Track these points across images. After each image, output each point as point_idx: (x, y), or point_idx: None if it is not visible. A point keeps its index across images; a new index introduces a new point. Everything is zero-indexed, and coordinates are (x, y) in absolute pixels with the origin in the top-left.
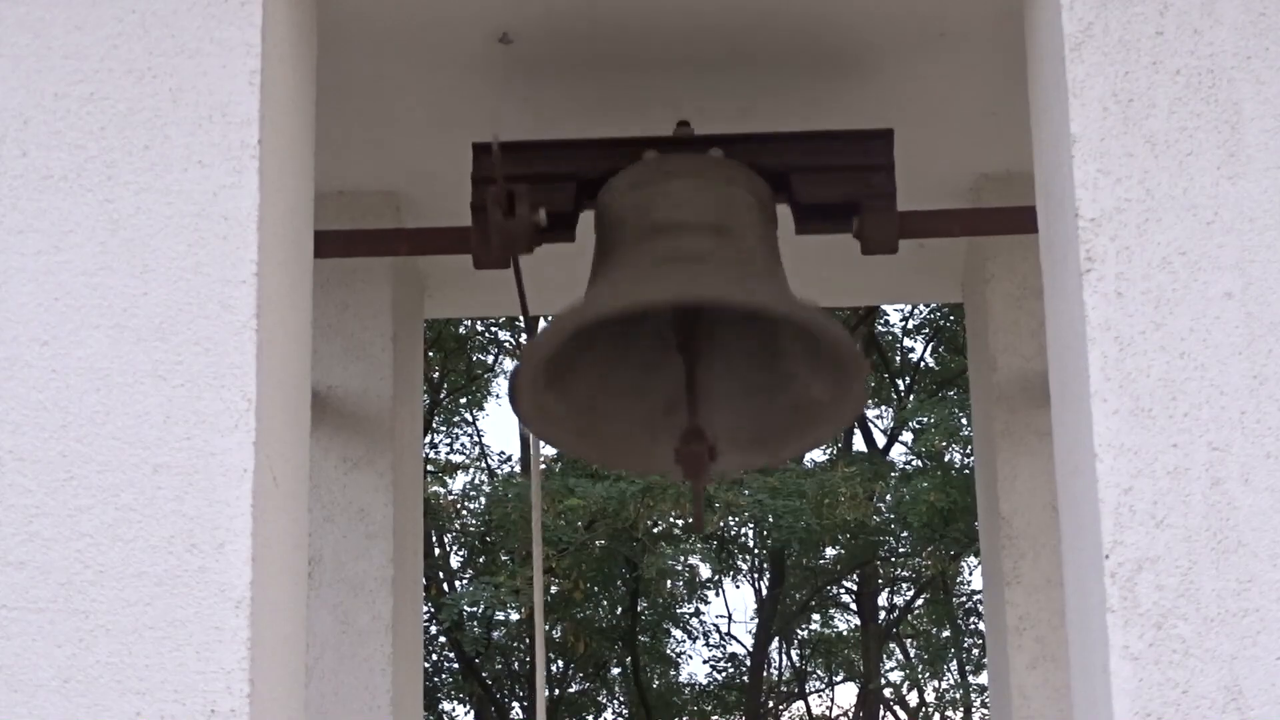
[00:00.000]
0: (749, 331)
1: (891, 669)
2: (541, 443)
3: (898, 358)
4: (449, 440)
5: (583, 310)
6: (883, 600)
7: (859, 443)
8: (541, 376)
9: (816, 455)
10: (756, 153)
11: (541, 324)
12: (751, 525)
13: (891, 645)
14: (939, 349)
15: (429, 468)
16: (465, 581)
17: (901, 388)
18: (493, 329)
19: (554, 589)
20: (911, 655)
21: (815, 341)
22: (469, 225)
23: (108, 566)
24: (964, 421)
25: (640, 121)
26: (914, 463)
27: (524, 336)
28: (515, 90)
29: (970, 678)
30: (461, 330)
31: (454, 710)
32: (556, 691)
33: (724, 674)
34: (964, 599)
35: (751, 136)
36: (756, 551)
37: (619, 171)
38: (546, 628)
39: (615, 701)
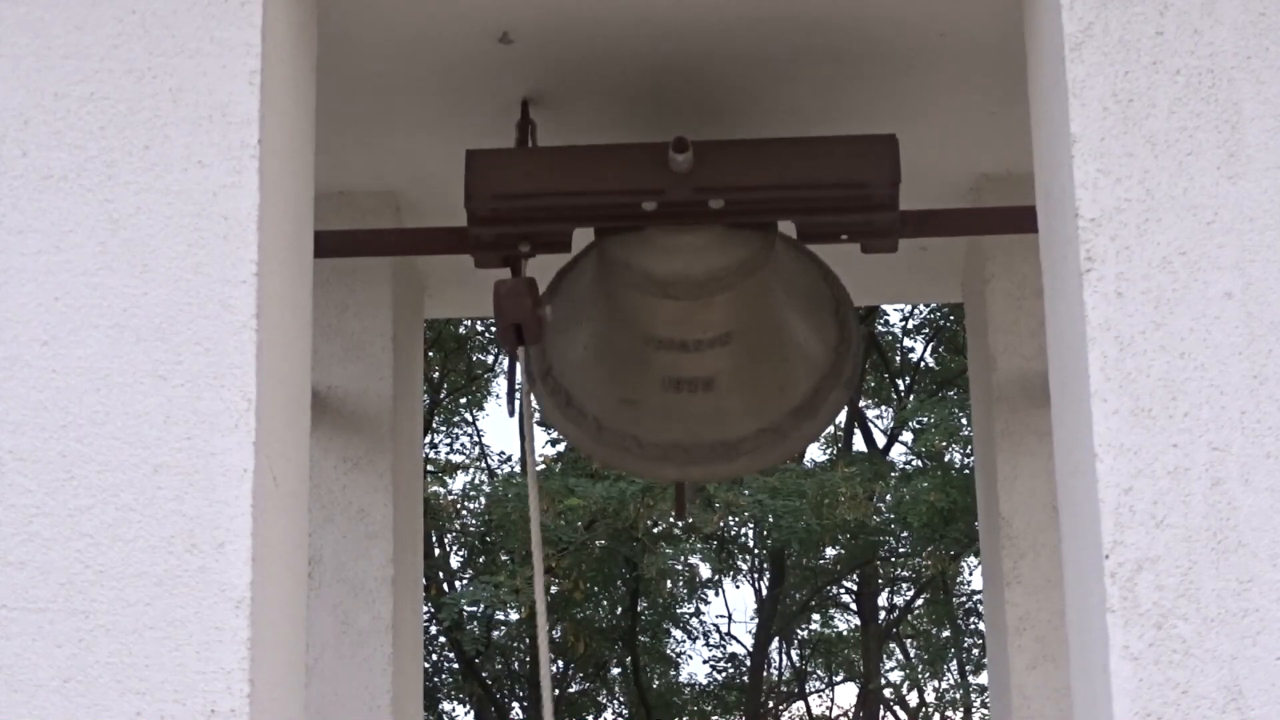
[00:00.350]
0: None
1: (891, 669)
2: (541, 442)
3: (898, 358)
4: (449, 440)
5: (577, 428)
6: (883, 600)
7: (859, 443)
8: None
9: (816, 455)
10: (758, 155)
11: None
12: (751, 525)
13: (891, 645)
14: (939, 349)
15: (429, 468)
16: (465, 581)
17: (901, 388)
18: (492, 329)
19: (554, 589)
20: (911, 655)
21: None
22: (468, 225)
23: (108, 566)
24: (964, 421)
25: (640, 122)
26: (914, 463)
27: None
28: (515, 90)
29: (970, 678)
30: (461, 330)
31: (454, 710)
32: (556, 691)
33: (724, 674)
34: (964, 599)
35: (752, 143)
36: (756, 551)
37: (615, 234)
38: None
39: (615, 701)
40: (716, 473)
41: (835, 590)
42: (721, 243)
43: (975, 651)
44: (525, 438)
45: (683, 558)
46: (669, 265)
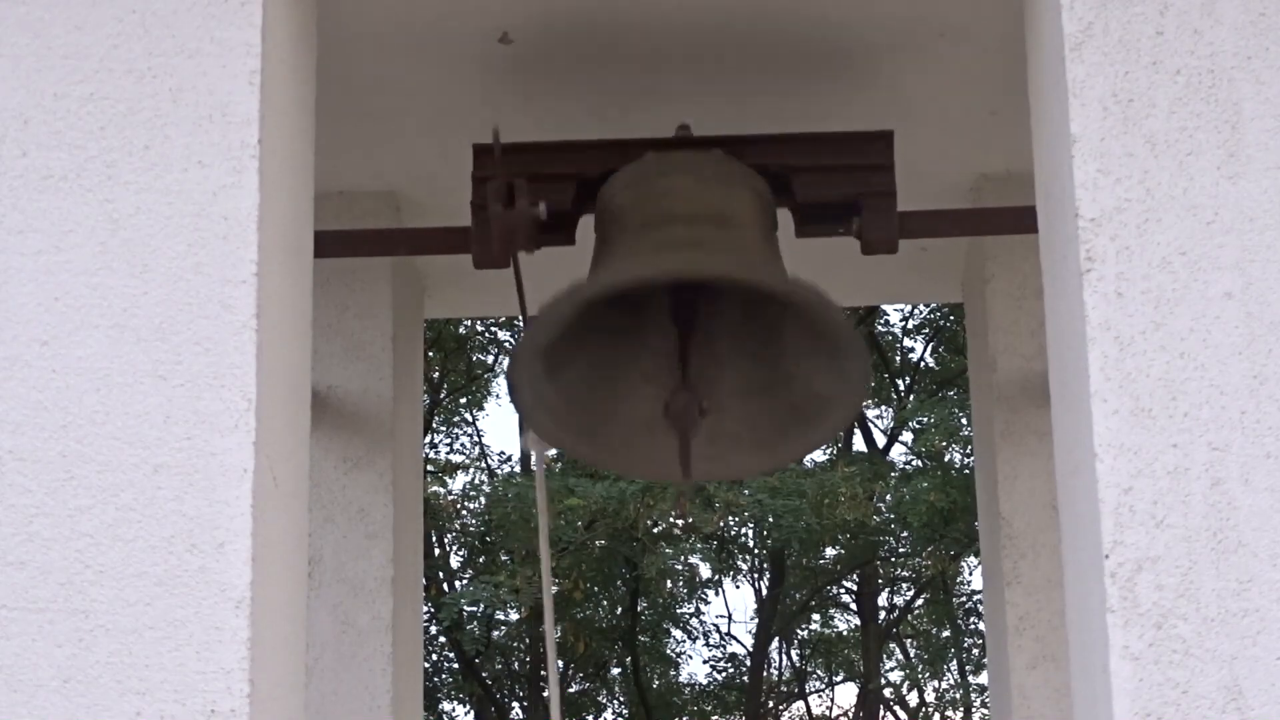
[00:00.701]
0: (748, 331)
1: (891, 669)
2: (541, 443)
3: (898, 358)
4: (449, 440)
5: (580, 290)
6: (883, 600)
7: (859, 443)
8: (540, 365)
9: (816, 455)
10: (756, 154)
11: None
12: (751, 525)
13: (891, 645)
14: (939, 349)
15: (429, 468)
16: (465, 581)
17: (901, 388)
18: (493, 329)
19: (554, 589)
20: (911, 655)
21: (814, 328)
22: (469, 225)
23: (108, 566)
24: (964, 421)
25: (640, 122)
26: (914, 463)
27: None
28: (515, 90)
29: (970, 678)
30: (461, 330)
31: (454, 710)
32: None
33: (724, 674)
34: (964, 599)
35: (751, 139)
36: (756, 551)
37: (618, 170)
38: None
39: (615, 701)
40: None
41: (835, 590)
42: (725, 173)
43: (975, 651)
44: (537, 454)
45: (683, 558)
46: (669, 182)
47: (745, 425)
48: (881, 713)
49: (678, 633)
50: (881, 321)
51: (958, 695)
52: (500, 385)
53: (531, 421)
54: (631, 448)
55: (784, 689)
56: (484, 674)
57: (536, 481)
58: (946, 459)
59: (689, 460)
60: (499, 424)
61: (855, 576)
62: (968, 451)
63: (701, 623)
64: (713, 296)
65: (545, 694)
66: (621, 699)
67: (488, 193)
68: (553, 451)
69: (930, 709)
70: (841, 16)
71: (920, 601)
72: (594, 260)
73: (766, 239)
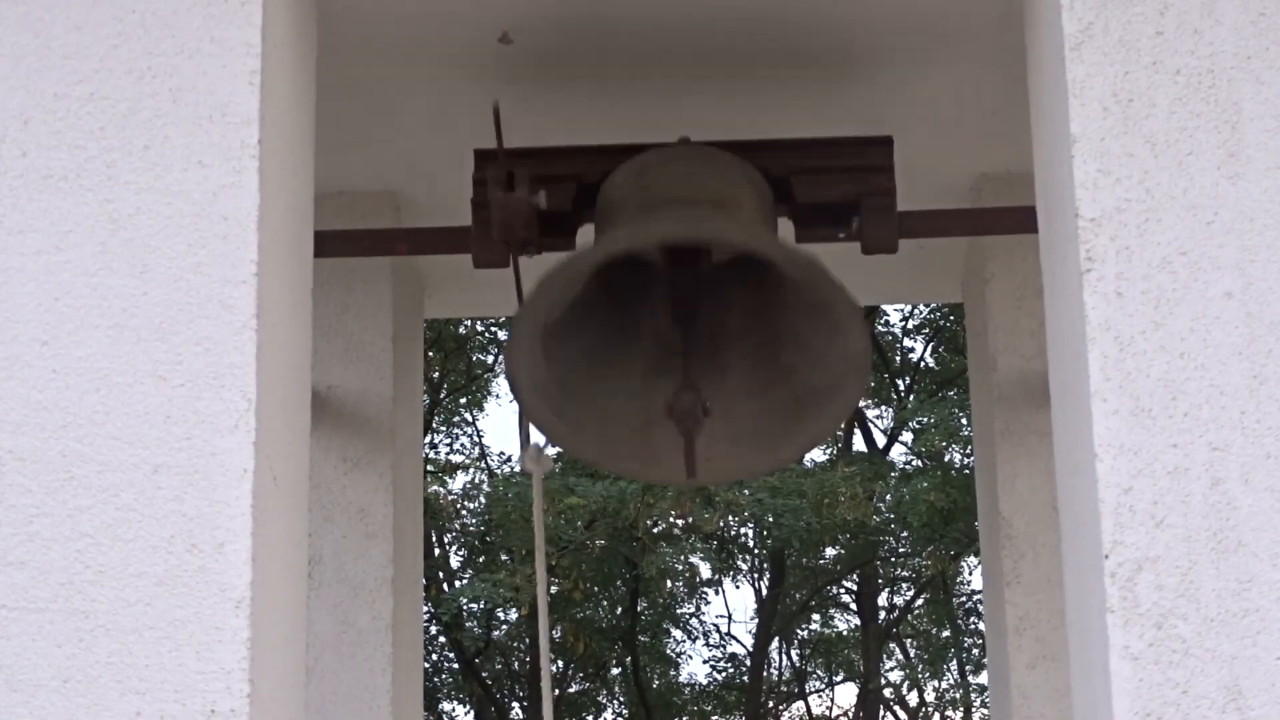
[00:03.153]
0: (750, 321)
1: (891, 669)
2: (540, 460)
3: (898, 358)
4: (449, 440)
5: (575, 258)
6: (883, 600)
7: (859, 443)
8: (539, 352)
9: (816, 455)
10: (756, 157)
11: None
12: (751, 525)
13: (891, 645)
14: (939, 349)
15: (429, 468)
16: (465, 581)
17: (901, 388)
18: (493, 329)
19: (554, 589)
20: (911, 655)
21: (814, 302)
22: (469, 225)
23: (108, 566)
24: (964, 421)
25: (640, 123)
26: (914, 463)
27: None
28: (515, 90)
29: (970, 678)
30: (461, 330)
31: (454, 710)
32: (556, 691)
33: (724, 674)
34: (964, 599)
35: (751, 144)
36: (756, 551)
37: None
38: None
39: (615, 701)
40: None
41: (835, 590)
42: (723, 167)
43: (975, 651)
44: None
45: (683, 557)
46: (668, 169)
47: (748, 422)
48: (881, 713)
49: (678, 633)
50: (881, 321)
51: (958, 695)
52: (500, 385)
53: (529, 411)
54: (631, 447)
55: (784, 689)
56: (484, 674)
57: (534, 492)
58: (946, 459)
59: (694, 462)
60: (499, 424)
61: (855, 576)
62: (968, 451)
63: (701, 623)
64: (712, 284)
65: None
66: (621, 699)
67: (487, 178)
68: (553, 452)
69: (930, 709)
70: (841, 17)
71: (920, 601)
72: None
73: (765, 222)
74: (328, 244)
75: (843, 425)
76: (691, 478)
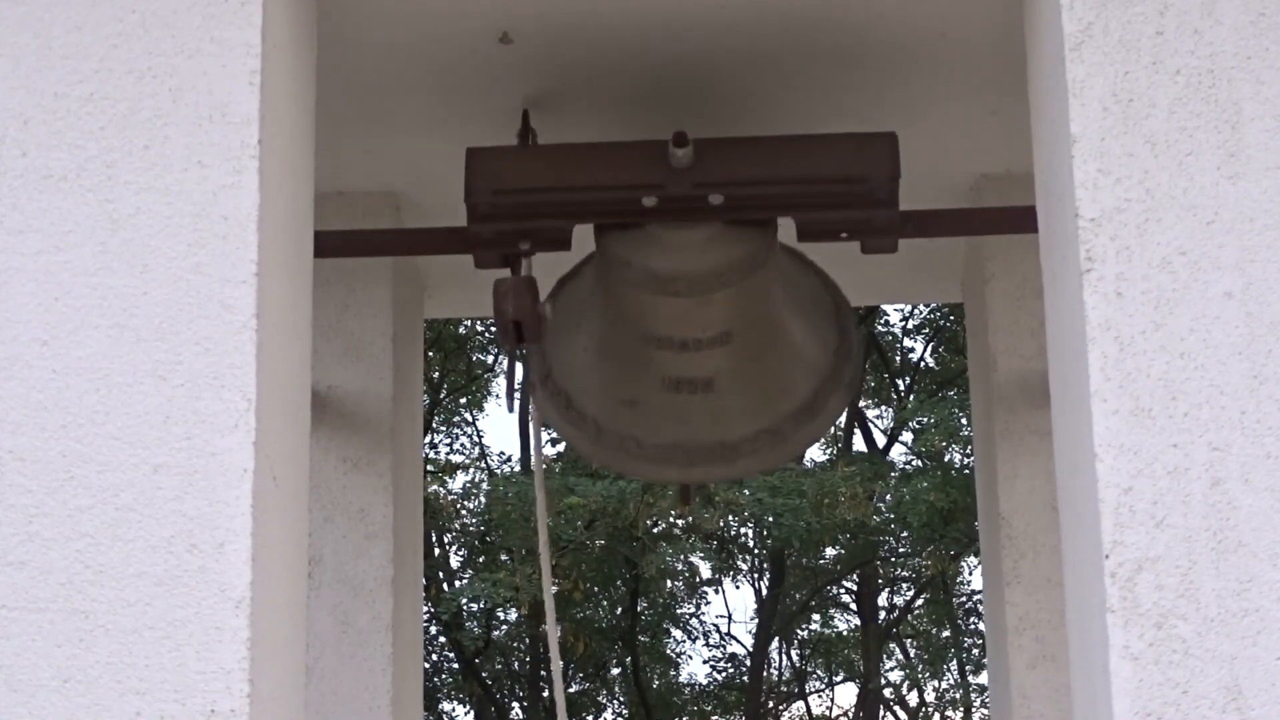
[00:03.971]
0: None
1: (891, 669)
2: (543, 442)
3: (898, 358)
4: (449, 440)
5: (577, 430)
6: (883, 600)
7: (859, 443)
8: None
9: (816, 455)
10: (758, 156)
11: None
12: (751, 525)
13: (891, 645)
14: (939, 349)
15: (429, 468)
16: (465, 581)
17: (901, 388)
18: (493, 329)
19: (554, 589)
20: (911, 655)
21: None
22: (468, 223)
23: (108, 566)
24: (964, 421)
25: (640, 123)
26: (914, 463)
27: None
28: (515, 90)
29: (970, 678)
30: (461, 330)
31: (454, 710)
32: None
33: (724, 674)
34: (964, 599)
35: (752, 143)
36: (756, 551)
37: (615, 231)
38: (545, 628)
39: (615, 701)
40: (717, 474)
41: (835, 590)
42: (722, 239)
43: (975, 651)
44: (534, 445)
45: (683, 557)
46: (669, 261)
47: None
48: (881, 713)
49: (678, 633)
50: (881, 321)
51: (958, 695)
52: (500, 385)
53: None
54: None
55: (784, 689)
56: (484, 674)
57: (535, 480)
58: (946, 459)
59: (689, 496)
60: (499, 424)
61: (855, 576)
62: (968, 451)
63: (701, 623)
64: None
65: (545, 694)
66: (621, 699)
67: (494, 294)
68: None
69: (930, 709)
70: (842, 18)
71: (920, 601)
72: (588, 296)
73: (777, 335)
74: (328, 244)
75: (843, 426)
76: (687, 504)
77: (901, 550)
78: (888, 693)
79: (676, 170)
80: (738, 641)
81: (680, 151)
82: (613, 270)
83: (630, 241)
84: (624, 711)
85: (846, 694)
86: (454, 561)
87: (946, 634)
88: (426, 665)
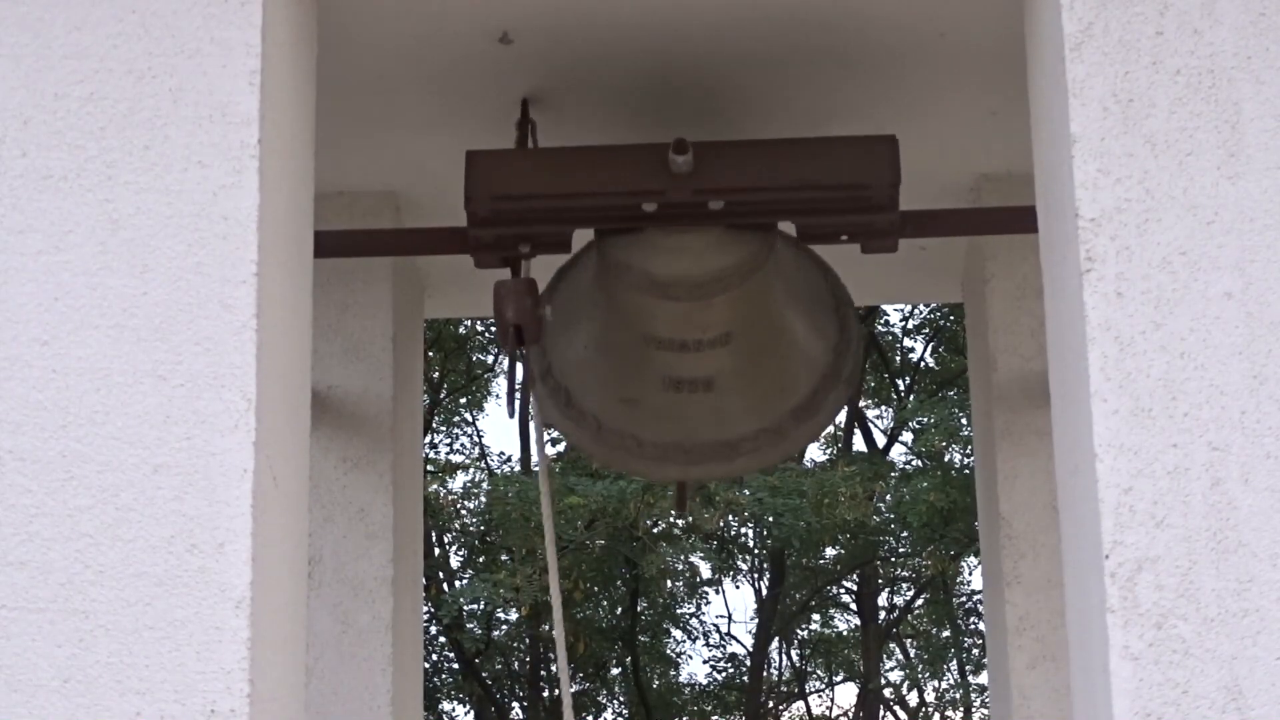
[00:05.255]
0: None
1: (891, 669)
2: (544, 442)
3: (898, 358)
4: (449, 440)
5: (577, 427)
6: (883, 600)
7: (859, 443)
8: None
9: (816, 455)
10: (758, 156)
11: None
12: (751, 525)
13: (891, 645)
14: (939, 349)
15: (429, 468)
16: (465, 582)
17: (901, 388)
18: (492, 329)
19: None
20: (911, 655)
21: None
22: (468, 226)
23: (108, 566)
24: (964, 421)
25: (640, 123)
26: (914, 463)
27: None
28: (515, 90)
29: (970, 678)
30: (461, 330)
31: (454, 710)
32: (556, 692)
33: (724, 674)
34: (964, 599)
35: (753, 144)
36: (756, 551)
37: (615, 235)
38: (546, 628)
39: (615, 701)
40: (717, 472)
41: (835, 590)
42: (721, 243)
43: (975, 651)
44: (537, 443)
45: (683, 557)
46: (669, 267)
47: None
48: (881, 713)
49: (678, 633)
50: (881, 321)
51: (958, 695)
52: (500, 385)
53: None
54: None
55: (784, 689)
56: (484, 674)
57: (540, 476)
58: (946, 459)
59: (685, 499)
60: (499, 424)
61: (855, 576)
62: (968, 451)
63: (701, 623)
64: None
65: (545, 694)
66: (621, 699)
67: (494, 296)
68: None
69: (930, 709)
70: (841, 17)
71: (920, 601)
72: (587, 295)
73: (777, 330)
74: (328, 244)
75: (843, 426)
76: (682, 510)
77: (901, 550)
78: (888, 693)
79: (677, 176)
80: (738, 641)
81: (681, 158)
82: (613, 273)
83: (630, 246)
84: (624, 711)
85: (846, 694)
86: (454, 562)
87: (946, 634)
88: (426, 665)
